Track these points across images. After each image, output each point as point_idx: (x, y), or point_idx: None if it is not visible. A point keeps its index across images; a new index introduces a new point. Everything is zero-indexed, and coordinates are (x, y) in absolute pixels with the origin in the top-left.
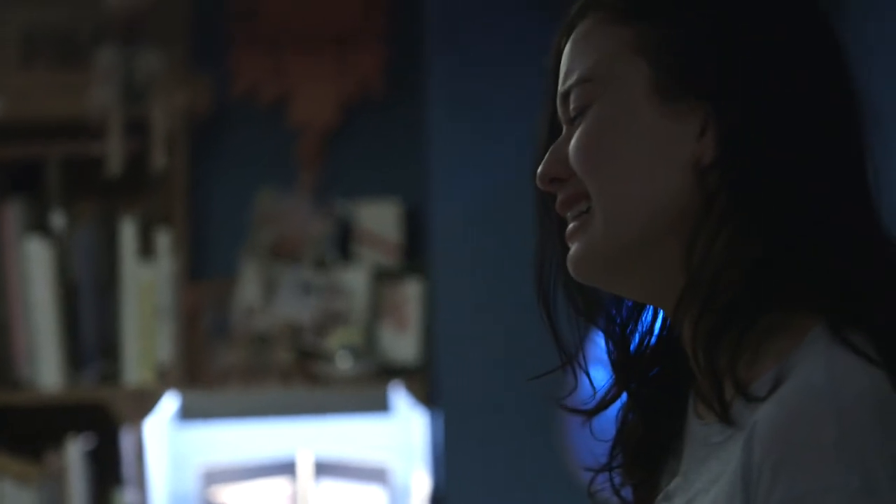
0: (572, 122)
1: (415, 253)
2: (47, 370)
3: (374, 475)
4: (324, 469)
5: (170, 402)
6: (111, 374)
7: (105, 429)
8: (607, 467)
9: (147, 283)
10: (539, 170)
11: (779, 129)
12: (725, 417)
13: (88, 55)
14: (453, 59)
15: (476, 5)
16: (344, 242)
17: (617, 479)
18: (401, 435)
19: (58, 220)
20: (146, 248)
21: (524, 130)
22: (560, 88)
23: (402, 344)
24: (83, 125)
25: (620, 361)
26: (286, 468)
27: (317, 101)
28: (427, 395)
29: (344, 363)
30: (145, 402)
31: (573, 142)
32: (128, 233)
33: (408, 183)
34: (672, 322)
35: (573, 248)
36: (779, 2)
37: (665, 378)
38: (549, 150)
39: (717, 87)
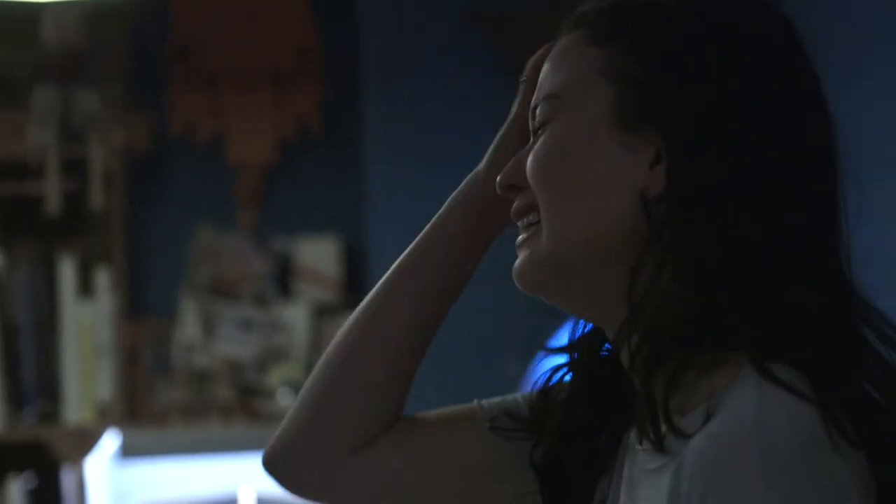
0: (535, 134)
1: (354, 288)
2: None
3: None
4: None
5: (111, 441)
6: (52, 413)
7: (46, 468)
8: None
9: (87, 322)
10: (499, 177)
11: (728, 168)
12: (659, 446)
13: (26, 95)
14: (389, 98)
15: (411, 45)
16: (283, 279)
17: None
18: None
19: None
20: (85, 287)
21: (460, 166)
22: (533, 101)
23: None
24: (21, 165)
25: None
26: None
27: (254, 139)
28: None
29: (285, 399)
30: (86, 441)
31: (532, 155)
32: (67, 272)
33: (346, 219)
34: (612, 346)
35: (519, 257)
36: (750, 41)
37: (609, 393)
38: (513, 159)
39: (671, 120)
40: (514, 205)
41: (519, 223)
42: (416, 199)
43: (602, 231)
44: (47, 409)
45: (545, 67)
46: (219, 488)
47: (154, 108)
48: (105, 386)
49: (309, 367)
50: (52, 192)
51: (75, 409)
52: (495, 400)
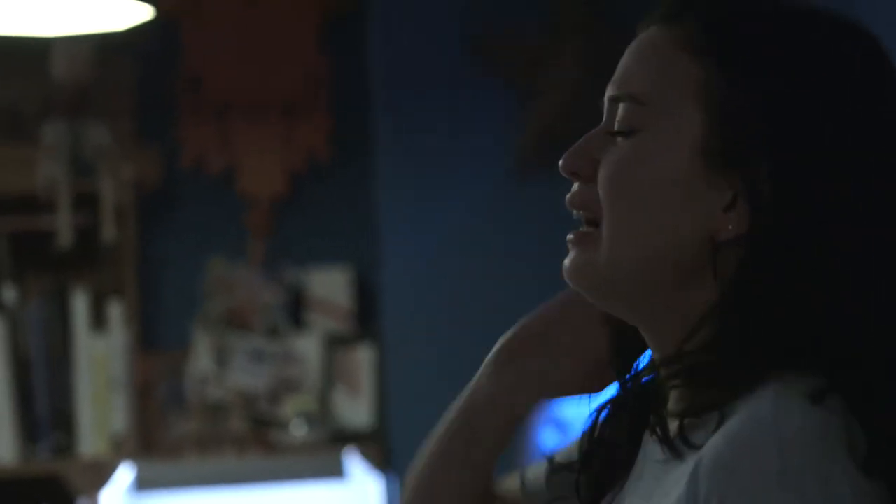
0: (613, 132)
1: (366, 318)
2: (2, 444)
3: None
4: None
5: (125, 473)
6: (66, 446)
7: (61, 501)
8: (578, 466)
9: (100, 355)
10: (564, 157)
11: (808, 232)
12: (669, 445)
13: (36, 130)
14: (398, 127)
15: (419, 74)
16: (295, 310)
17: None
18: (357, 500)
19: (9, 294)
20: (98, 320)
21: (470, 196)
22: (610, 89)
23: (356, 409)
24: (32, 199)
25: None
26: None
27: (264, 170)
28: (382, 460)
29: (298, 430)
30: (101, 474)
31: (609, 162)
32: (80, 305)
33: (357, 249)
34: (652, 354)
35: (571, 255)
36: (852, 86)
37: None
38: (581, 140)
39: (759, 173)
40: (574, 193)
41: (574, 212)
42: (427, 229)
43: (661, 258)
44: (61, 442)
45: (631, 53)
46: None
47: (164, 141)
48: (119, 419)
49: (322, 398)
50: (63, 226)
51: (89, 443)
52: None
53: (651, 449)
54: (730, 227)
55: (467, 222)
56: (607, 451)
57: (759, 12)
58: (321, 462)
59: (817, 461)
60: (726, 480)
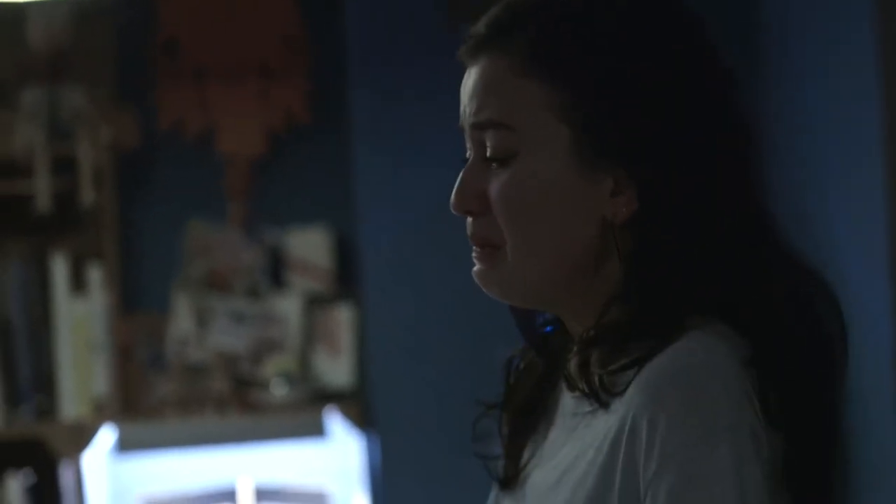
0: (486, 160)
1: (346, 279)
2: None
3: (314, 500)
4: (264, 495)
5: (107, 435)
6: (48, 409)
7: (44, 464)
8: (497, 406)
9: (80, 318)
10: (455, 198)
11: (688, 183)
12: (597, 396)
13: (13, 95)
14: (376, 88)
15: (398, 34)
16: (275, 271)
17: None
18: (338, 459)
19: None
20: (78, 284)
21: (448, 156)
22: (470, 118)
23: (337, 369)
24: (11, 164)
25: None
26: (227, 496)
27: (243, 132)
28: (363, 419)
29: (279, 390)
30: (83, 436)
31: (498, 190)
32: (59, 269)
33: (337, 210)
34: (568, 329)
35: (480, 268)
36: (674, 51)
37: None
38: (462, 179)
39: (628, 152)
40: (475, 230)
41: (474, 244)
42: (406, 189)
43: (569, 262)
44: (43, 405)
45: (475, 86)
46: (216, 480)
47: (142, 104)
48: (100, 381)
49: (302, 358)
50: (42, 190)
51: (71, 405)
52: None
53: (572, 402)
54: (623, 208)
55: (445, 183)
56: (523, 398)
57: (573, 14)
58: (302, 421)
59: (735, 389)
60: (655, 402)
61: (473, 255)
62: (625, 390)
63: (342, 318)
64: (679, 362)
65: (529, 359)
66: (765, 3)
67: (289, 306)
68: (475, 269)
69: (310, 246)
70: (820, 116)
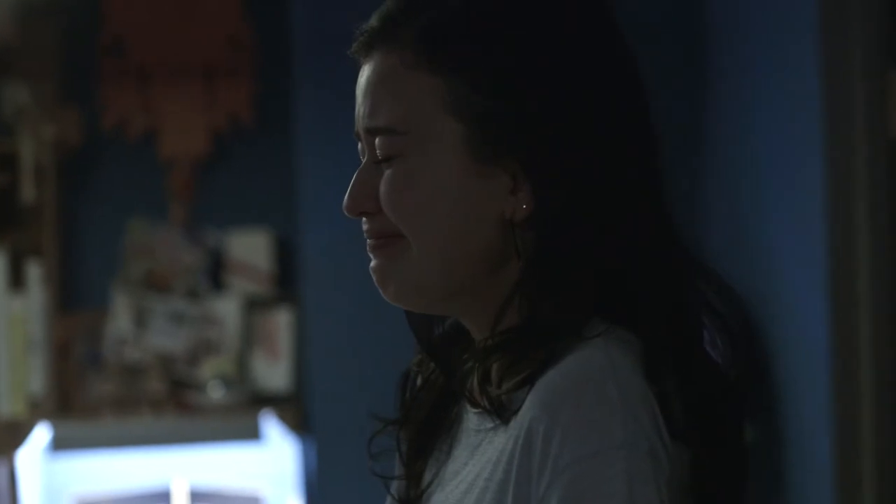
0: (378, 163)
1: (286, 282)
2: None
3: (249, 503)
4: (198, 497)
5: (42, 434)
6: None
7: None
8: (396, 422)
9: (18, 315)
10: (347, 201)
11: (585, 178)
12: (495, 408)
13: None
14: (321, 90)
15: (344, 36)
16: (215, 272)
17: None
18: (273, 463)
19: None
20: (17, 281)
21: None
22: (363, 122)
23: (275, 372)
24: None
25: (426, 335)
26: (161, 497)
27: (186, 133)
28: (299, 423)
29: (216, 392)
30: (17, 434)
31: (386, 188)
32: None
33: (278, 213)
34: (469, 332)
35: (380, 260)
36: (571, 42)
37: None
38: (354, 181)
39: (523, 148)
40: (369, 227)
41: (371, 241)
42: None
43: (469, 260)
44: None
45: (367, 88)
46: (151, 480)
47: (86, 102)
48: (36, 379)
49: (240, 361)
50: None
51: (6, 403)
52: None
53: (475, 418)
54: (524, 206)
55: None
56: (424, 409)
57: (466, 3)
58: (238, 424)
59: (634, 403)
60: (550, 415)
61: (369, 248)
62: (521, 405)
63: (281, 321)
64: (576, 374)
65: (428, 373)
66: (709, 6)
67: (228, 308)
68: (372, 264)
69: (250, 248)
70: (761, 119)
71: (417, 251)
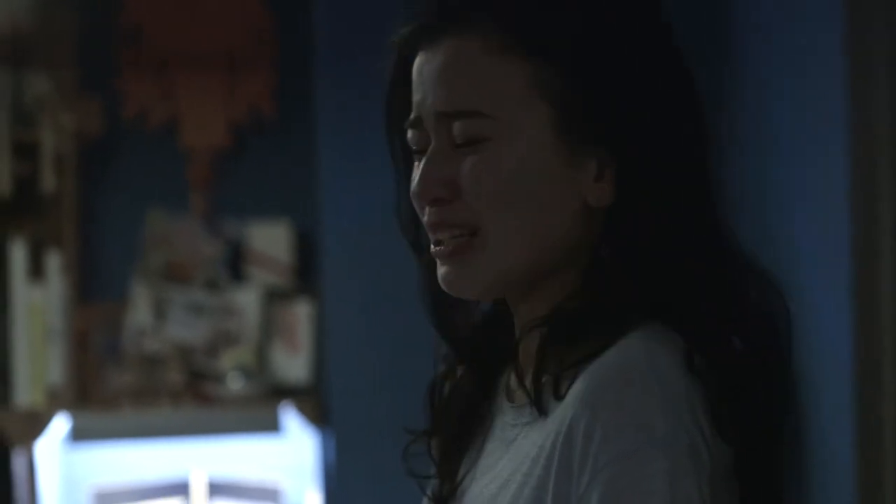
0: (456, 147)
1: (306, 273)
2: None
3: (267, 495)
4: (217, 489)
5: (61, 424)
6: (1, 396)
7: None
8: (428, 433)
9: (37, 305)
10: (420, 188)
11: (668, 172)
12: (538, 403)
13: None
14: (342, 83)
15: (366, 29)
16: (235, 263)
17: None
18: (292, 455)
19: None
20: (36, 270)
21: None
22: (437, 107)
23: (294, 364)
24: None
25: (460, 335)
26: (179, 488)
27: (207, 123)
28: (318, 415)
29: (235, 384)
30: (36, 424)
31: (472, 172)
32: (18, 255)
33: (299, 204)
34: (520, 325)
35: (449, 268)
36: (656, 51)
37: (483, 358)
38: (427, 167)
39: (614, 135)
40: (437, 218)
41: (441, 234)
42: (369, 185)
43: (550, 246)
44: None
45: (443, 72)
46: (170, 472)
47: (106, 92)
48: (55, 369)
49: (259, 352)
50: (2, 174)
51: (25, 393)
52: None
53: (512, 413)
54: (607, 193)
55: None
56: (454, 417)
57: None
58: (257, 416)
59: (689, 393)
60: (591, 411)
61: (441, 251)
62: (565, 395)
63: (301, 313)
64: (616, 370)
65: (455, 382)
66: (733, 11)
67: (247, 300)
68: (442, 272)
69: (270, 240)
70: (785, 125)
71: (495, 240)
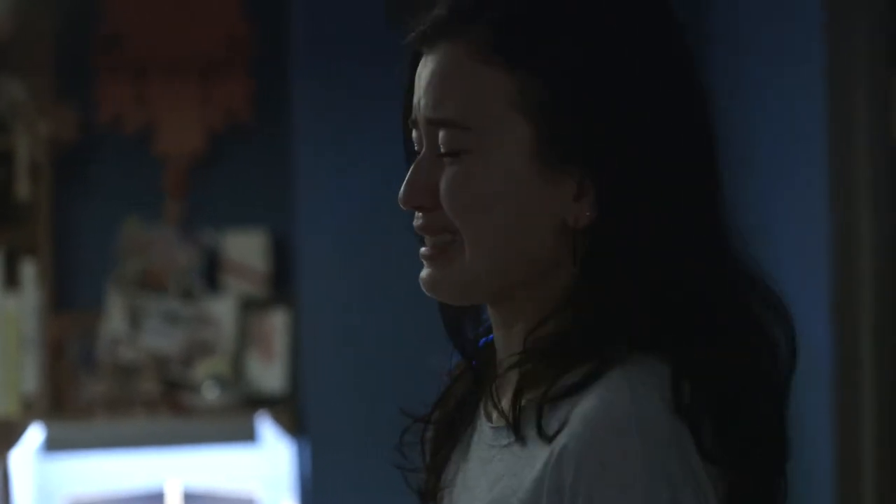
0: (440, 156)
1: (282, 282)
2: None
3: None
4: (192, 499)
5: (35, 434)
6: None
7: None
8: (426, 419)
9: (12, 314)
10: (404, 193)
11: (654, 196)
12: (516, 431)
13: None
14: (319, 90)
15: (342, 35)
16: (211, 272)
17: (427, 435)
18: (268, 464)
19: None
20: (11, 279)
21: (389, 160)
22: (426, 112)
23: (270, 374)
24: None
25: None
26: (155, 499)
27: (182, 130)
28: (294, 425)
29: (211, 393)
30: (10, 434)
31: (448, 184)
32: None
33: (275, 213)
34: (500, 339)
35: (432, 270)
36: (652, 66)
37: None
38: (412, 175)
39: (594, 157)
40: (422, 223)
41: (427, 238)
42: (345, 194)
43: (521, 262)
44: None
45: (432, 79)
46: (145, 482)
47: (81, 98)
48: (30, 379)
49: (235, 362)
50: None
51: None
52: None
53: (490, 432)
54: (587, 213)
55: (386, 188)
56: (451, 407)
57: (536, 1)
58: (232, 425)
59: (676, 437)
60: (592, 465)
61: (424, 252)
62: (554, 434)
63: (276, 322)
64: (600, 425)
65: (462, 368)
66: (713, 12)
67: (223, 309)
68: (423, 273)
69: (246, 248)
70: (764, 122)
71: (471, 250)
